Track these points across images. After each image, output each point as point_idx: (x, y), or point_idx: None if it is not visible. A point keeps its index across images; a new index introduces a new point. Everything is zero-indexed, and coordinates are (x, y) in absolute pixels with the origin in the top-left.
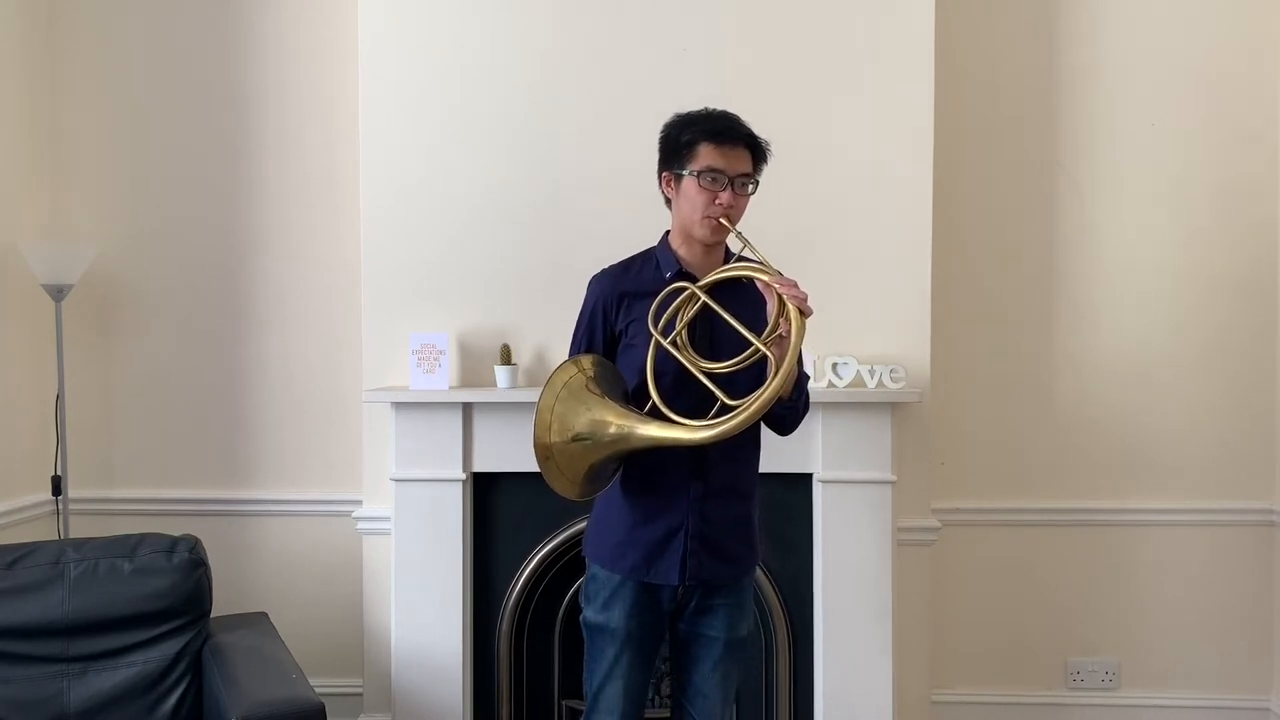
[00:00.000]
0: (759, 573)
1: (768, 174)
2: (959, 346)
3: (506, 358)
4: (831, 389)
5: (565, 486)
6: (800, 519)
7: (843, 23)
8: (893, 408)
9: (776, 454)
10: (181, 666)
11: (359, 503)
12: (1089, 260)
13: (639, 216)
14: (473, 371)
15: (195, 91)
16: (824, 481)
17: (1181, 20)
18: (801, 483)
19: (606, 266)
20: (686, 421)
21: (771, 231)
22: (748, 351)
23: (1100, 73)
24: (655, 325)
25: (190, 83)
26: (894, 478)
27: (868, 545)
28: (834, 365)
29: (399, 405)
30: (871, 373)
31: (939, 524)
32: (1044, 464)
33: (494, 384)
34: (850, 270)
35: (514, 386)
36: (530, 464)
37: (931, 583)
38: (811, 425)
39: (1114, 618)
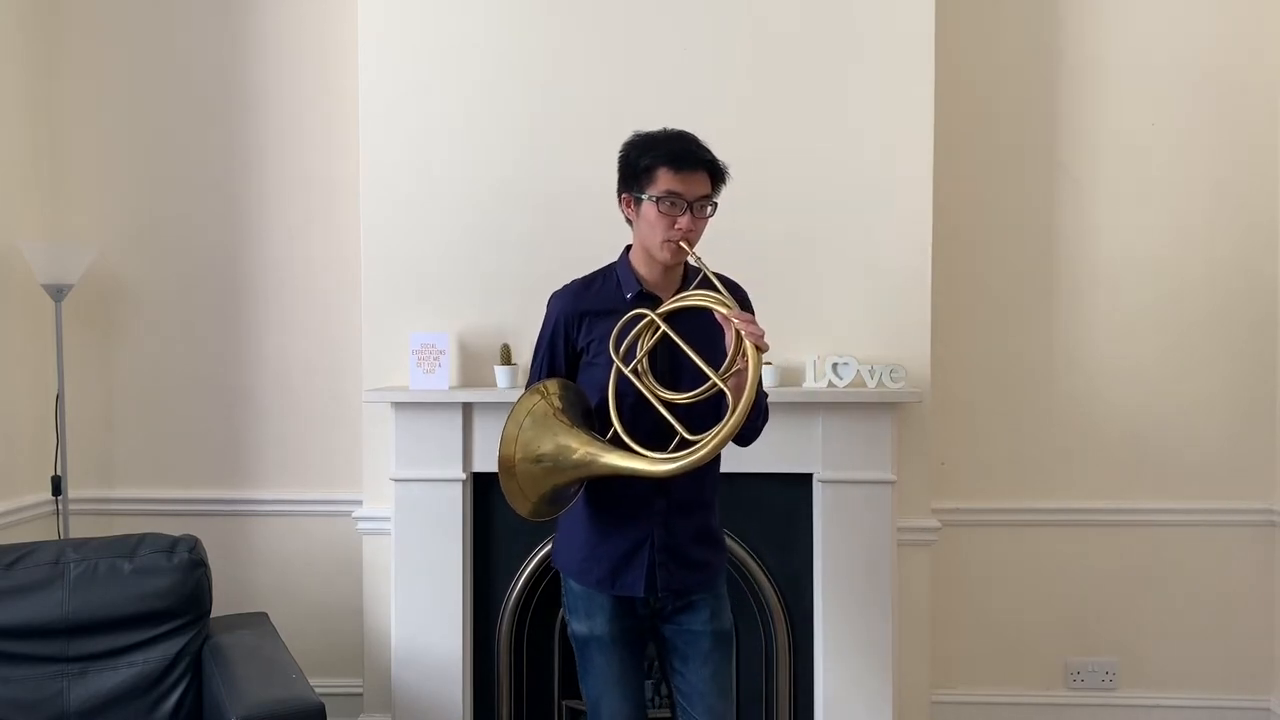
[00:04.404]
0: (759, 572)
1: (768, 175)
2: (959, 346)
3: (506, 358)
4: (831, 389)
5: (522, 505)
6: (800, 519)
7: (843, 23)
8: (893, 408)
9: (777, 454)
10: (181, 666)
11: (359, 503)
12: (1089, 260)
13: None
14: (473, 371)
15: (195, 91)
16: (824, 481)
17: (1182, 20)
18: (801, 483)
19: (567, 283)
20: (648, 453)
21: (772, 232)
22: (706, 385)
23: (1100, 72)
24: (617, 351)
25: (190, 82)
26: (894, 478)
27: (868, 545)
28: (834, 365)
29: (399, 405)
30: (871, 373)
31: (939, 524)
32: (1044, 464)
33: (494, 384)
34: (850, 270)
35: (514, 386)
36: None
37: (931, 583)
38: (811, 425)
39: (1114, 618)
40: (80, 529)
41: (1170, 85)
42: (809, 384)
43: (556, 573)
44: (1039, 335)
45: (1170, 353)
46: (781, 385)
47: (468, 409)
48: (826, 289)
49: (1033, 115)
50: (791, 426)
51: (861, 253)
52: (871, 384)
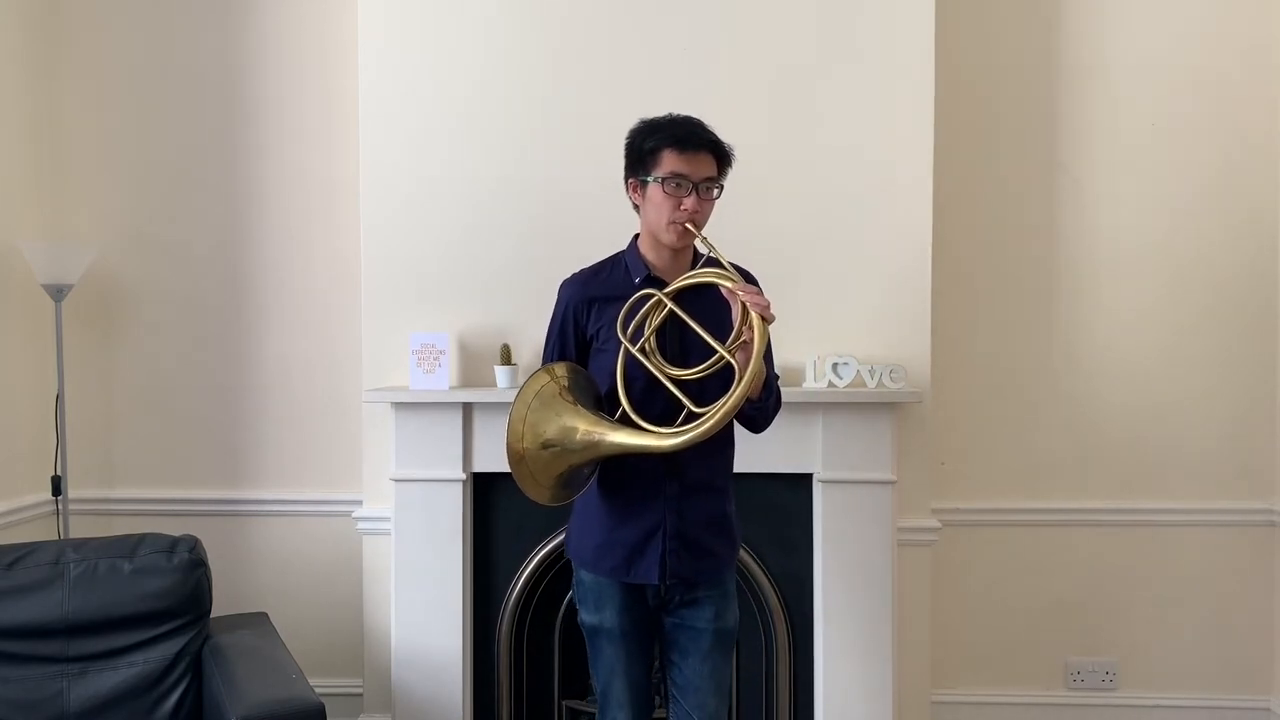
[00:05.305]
0: (759, 572)
1: (768, 175)
2: (959, 346)
3: (506, 358)
4: (831, 389)
5: (536, 491)
6: (800, 519)
7: (843, 23)
8: (893, 408)
9: (776, 454)
10: (181, 667)
11: (359, 503)
12: (1089, 260)
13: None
14: (473, 371)
15: (195, 91)
16: (824, 481)
17: (1181, 20)
18: (801, 483)
19: (576, 271)
20: (655, 429)
21: (772, 232)
22: (713, 358)
23: (1100, 72)
24: (624, 332)
25: (190, 82)
26: (894, 478)
27: (868, 545)
28: (834, 365)
29: (399, 405)
30: (871, 373)
31: (939, 524)
32: (1044, 464)
33: (494, 384)
34: (850, 270)
35: (514, 386)
36: None
37: (931, 583)
38: (811, 425)
39: (1114, 618)
40: (80, 529)
41: (1170, 85)
42: (809, 384)
43: (557, 572)
44: (1039, 335)
45: (1170, 353)
46: (782, 385)
47: (468, 409)
48: (826, 289)
49: (1033, 115)
50: (791, 426)
51: (861, 253)
52: (871, 384)
